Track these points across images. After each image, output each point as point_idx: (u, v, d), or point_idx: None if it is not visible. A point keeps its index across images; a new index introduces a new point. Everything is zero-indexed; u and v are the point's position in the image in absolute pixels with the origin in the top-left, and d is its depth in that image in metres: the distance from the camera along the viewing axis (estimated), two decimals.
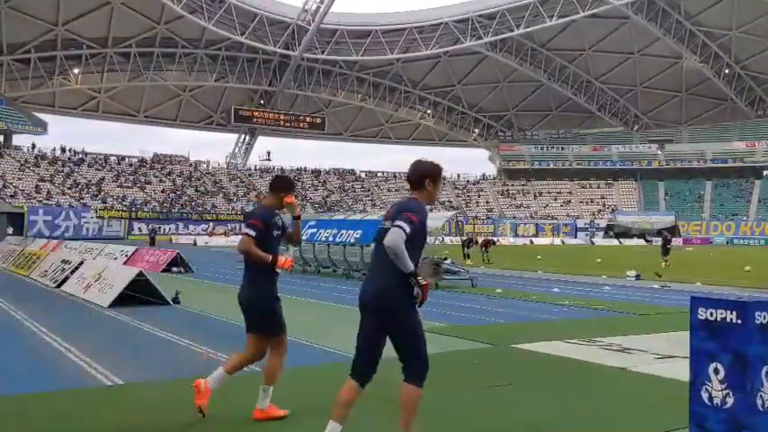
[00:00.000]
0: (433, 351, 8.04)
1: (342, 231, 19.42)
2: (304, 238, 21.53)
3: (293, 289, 14.68)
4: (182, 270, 20.96)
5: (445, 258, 17.90)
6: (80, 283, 14.42)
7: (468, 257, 26.80)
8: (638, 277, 19.76)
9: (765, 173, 77.44)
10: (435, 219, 20.50)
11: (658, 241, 40.00)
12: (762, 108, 79.66)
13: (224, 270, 23.18)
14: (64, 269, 16.70)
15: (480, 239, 31.03)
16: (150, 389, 6.17)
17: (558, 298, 14.76)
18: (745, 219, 73.18)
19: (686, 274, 21.36)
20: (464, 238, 32.56)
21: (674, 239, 65.86)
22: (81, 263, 16.11)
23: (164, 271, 20.10)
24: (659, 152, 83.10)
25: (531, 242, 64.98)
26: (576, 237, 71.01)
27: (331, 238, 19.84)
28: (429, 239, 22.83)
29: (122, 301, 12.04)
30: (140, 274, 12.81)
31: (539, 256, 31.31)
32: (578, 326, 10.31)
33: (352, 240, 18.83)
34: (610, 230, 72.89)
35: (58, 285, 15.57)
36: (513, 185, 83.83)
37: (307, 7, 65.48)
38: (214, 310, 11.65)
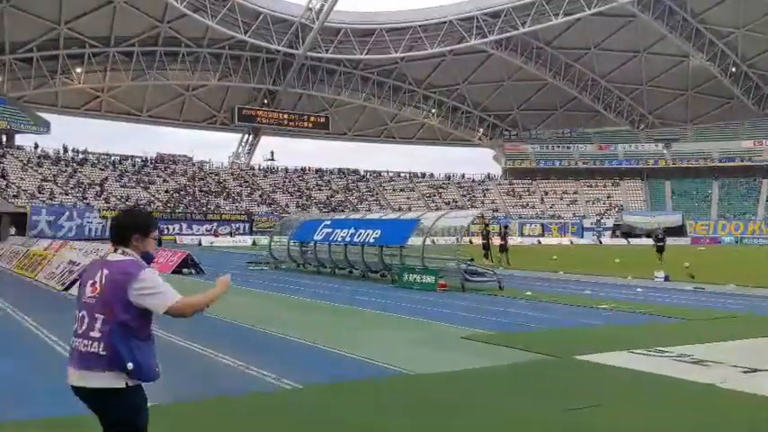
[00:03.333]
0: (486, 364, 7.25)
1: (360, 231, 18.64)
2: (318, 238, 20.80)
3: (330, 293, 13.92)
4: (193, 272, 20.25)
5: (471, 259, 17.19)
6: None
7: (488, 257, 25.82)
8: (666, 278, 19.02)
9: None
10: (460, 217, 19.77)
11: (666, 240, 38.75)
12: None
13: (235, 272, 22.47)
14: (72, 271, 16.03)
15: (497, 240, 29.12)
16: (186, 408, 5.49)
17: (595, 301, 14.02)
18: (753, 218, 72.41)
19: (711, 275, 20.54)
20: (483, 238, 28.68)
21: (681, 239, 66.11)
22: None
23: (174, 272, 19.41)
24: (665, 151, 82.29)
25: (539, 242, 64.26)
26: (582, 236, 70.26)
27: (348, 238, 19.06)
28: (451, 239, 21.98)
29: None
30: None
31: (554, 257, 30.57)
32: (635, 333, 9.58)
33: (371, 240, 18.06)
34: (617, 230, 72.13)
35: (66, 288, 14.89)
36: (518, 185, 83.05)
37: (311, 6, 64.73)
38: (234, 314, 10.93)
